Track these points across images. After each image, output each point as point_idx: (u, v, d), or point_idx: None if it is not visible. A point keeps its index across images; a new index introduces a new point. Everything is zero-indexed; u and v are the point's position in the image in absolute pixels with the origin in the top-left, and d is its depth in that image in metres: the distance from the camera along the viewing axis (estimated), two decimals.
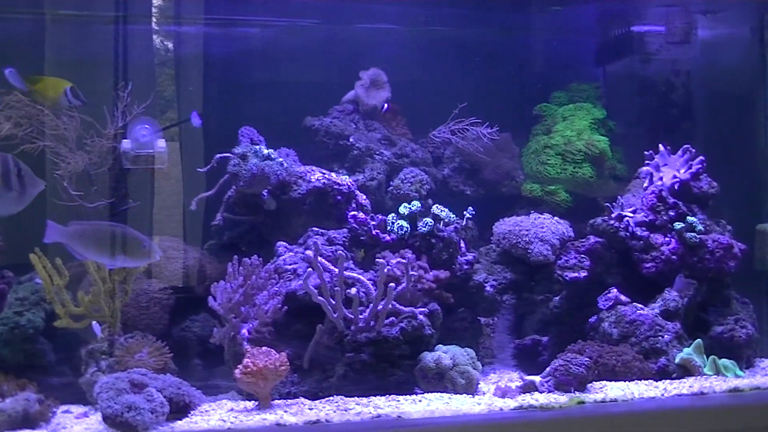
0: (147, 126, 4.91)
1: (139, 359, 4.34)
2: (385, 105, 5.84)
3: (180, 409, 4.03)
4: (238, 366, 4.14)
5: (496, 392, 4.44)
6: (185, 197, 5.22)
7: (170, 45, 5.63)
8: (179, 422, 3.94)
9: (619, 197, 5.43)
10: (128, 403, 3.76)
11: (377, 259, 4.73)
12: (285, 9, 5.92)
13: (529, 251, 5.38)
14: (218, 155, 5.16)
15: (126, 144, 4.87)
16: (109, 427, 3.78)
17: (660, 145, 5.50)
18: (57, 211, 4.79)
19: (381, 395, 4.40)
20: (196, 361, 4.88)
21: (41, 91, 4.85)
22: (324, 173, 5.24)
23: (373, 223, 5.18)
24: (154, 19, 5.59)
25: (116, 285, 4.45)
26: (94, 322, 4.47)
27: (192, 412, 4.08)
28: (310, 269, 4.49)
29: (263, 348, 4.23)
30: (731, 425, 4.19)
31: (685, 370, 4.77)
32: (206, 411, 4.14)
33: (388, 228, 5.18)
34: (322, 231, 5.02)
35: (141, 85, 5.09)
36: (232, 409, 4.17)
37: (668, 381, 4.68)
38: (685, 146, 5.47)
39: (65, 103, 4.86)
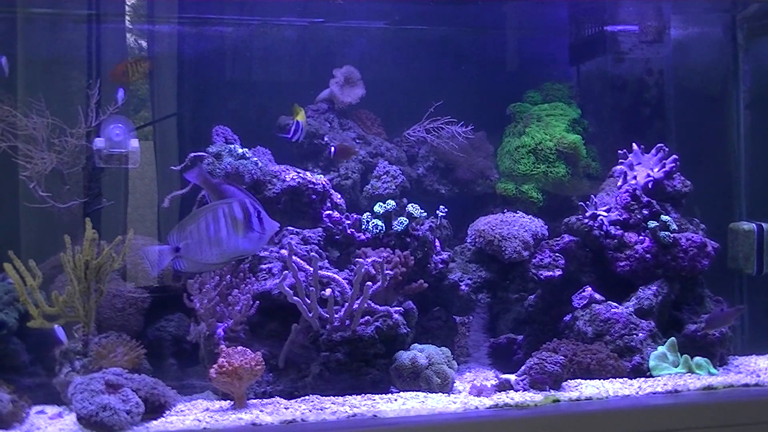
0: (120, 125, 4.89)
1: (113, 359, 4.32)
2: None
3: (155, 409, 4.01)
4: (213, 365, 4.13)
5: (472, 391, 4.44)
6: (159, 196, 5.20)
7: (144, 44, 5.61)
8: (154, 422, 3.93)
9: (592, 196, 5.44)
10: (103, 403, 3.74)
11: (355, 259, 4.73)
12: (259, 8, 5.91)
13: (504, 250, 5.38)
14: (192, 154, 5.14)
15: (99, 143, 4.86)
16: (84, 428, 3.76)
17: (633, 144, 5.52)
18: (29, 212, 4.80)
19: (356, 394, 4.41)
20: (171, 361, 4.85)
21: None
22: (299, 172, 5.23)
23: (348, 222, 5.17)
24: (127, 18, 5.57)
25: (91, 284, 4.42)
26: (57, 327, 4.45)
27: (167, 412, 4.06)
28: (286, 270, 4.49)
29: (238, 347, 4.22)
30: (705, 423, 4.21)
31: None
32: (181, 411, 4.13)
33: (363, 227, 5.18)
34: (297, 230, 5.01)
35: (115, 84, 5.08)
36: (207, 409, 4.17)
37: (642, 379, 4.70)
38: (659, 145, 5.49)
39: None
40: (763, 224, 5.76)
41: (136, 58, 5.32)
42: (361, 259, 4.66)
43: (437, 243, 5.34)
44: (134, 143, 4.91)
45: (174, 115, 5.59)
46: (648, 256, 5.13)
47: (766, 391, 4.54)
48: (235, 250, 4.14)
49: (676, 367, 4.79)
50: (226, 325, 4.52)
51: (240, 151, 5.12)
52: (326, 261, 4.92)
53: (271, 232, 4.20)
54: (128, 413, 3.79)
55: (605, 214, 5.29)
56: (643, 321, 4.96)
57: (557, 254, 5.32)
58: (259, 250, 4.39)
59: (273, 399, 4.35)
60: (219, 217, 4.07)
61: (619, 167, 5.53)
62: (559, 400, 4.25)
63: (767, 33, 6.26)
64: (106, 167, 4.92)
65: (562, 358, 4.54)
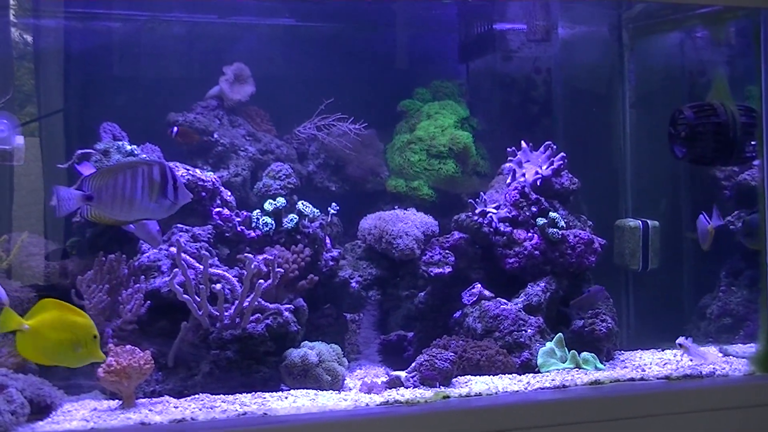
0: (4, 121, 4.81)
1: None
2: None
3: (41, 410, 3.94)
4: (101, 365, 4.08)
5: (362, 388, 4.45)
6: (46, 193, 5.12)
7: (29, 38, 5.52)
8: (40, 423, 3.86)
9: (482, 193, 5.48)
10: None
11: (245, 255, 4.71)
12: (148, 3, 5.84)
13: (394, 246, 5.40)
14: (79, 151, 5.07)
15: None
16: None
17: (522, 142, 5.58)
18: None
19: (247, 392, 4.39)
20: None
21: None
22: (188, 169, 5.17)
23: (238, 219, 5.14)
24: (12, 12, 5.47)
25: None
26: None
27: (54, 413, 4.00)
28: (176, 268, 4.46)
29: (127, 346, 4.17)
30: (592, 417, 4.26)
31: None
32: (68, 411, 4.06)
33: (253, 224, 5.15)
34: (187, 228, 4.97)
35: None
36: (95, 409, 4.10)
37: (531, 375, 4.76)
38: (547, 143, 5.56)
39: None
40: (648, 221, 5.87)
41: None
42: (251, 256, 4.64)
43: (328, 240, 5.34)
44: (19, 139, 4.83)
45: (60, 111, 5.50)
46: (536, 252, 5.19)
47: (650, 386, 4.61)
48: (144, 213, 4.13)
49: (563, 363, 4.85)
50: (114, 323, 4.47)
51: (128, 147, 5.08)
52: (216, 258, 4.89)
53: (182, 202, 4.18)
54: (13, 414, 3.72)
55: (494, 211, 5.34)
56: (531, 317, 5.02)
57: (447, 251, 5.34)
58: (164, 217, 4.34)
59: (162, 398, 4.30)
60: (137, 176, 4.02)
61: (508, 165, 5.59)
62: (449, 397, 4.27)
63: (651, 33, 6.38)
64: None
65: (452, 354, 4.57)
